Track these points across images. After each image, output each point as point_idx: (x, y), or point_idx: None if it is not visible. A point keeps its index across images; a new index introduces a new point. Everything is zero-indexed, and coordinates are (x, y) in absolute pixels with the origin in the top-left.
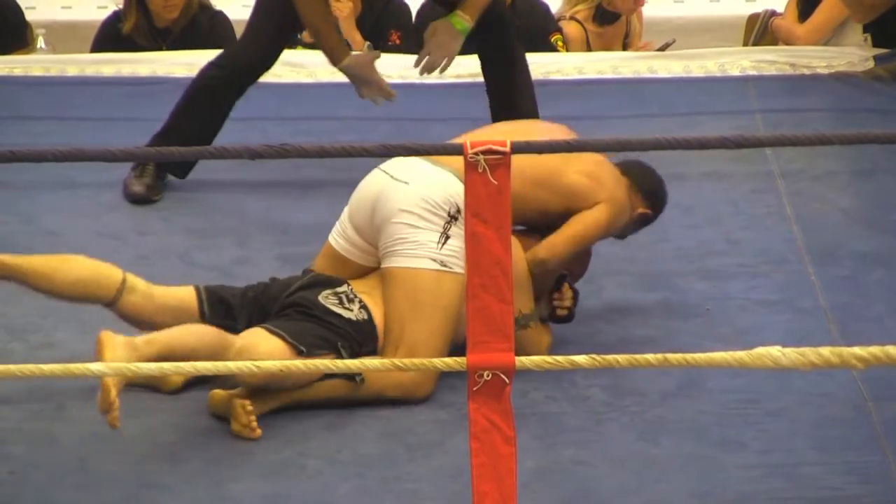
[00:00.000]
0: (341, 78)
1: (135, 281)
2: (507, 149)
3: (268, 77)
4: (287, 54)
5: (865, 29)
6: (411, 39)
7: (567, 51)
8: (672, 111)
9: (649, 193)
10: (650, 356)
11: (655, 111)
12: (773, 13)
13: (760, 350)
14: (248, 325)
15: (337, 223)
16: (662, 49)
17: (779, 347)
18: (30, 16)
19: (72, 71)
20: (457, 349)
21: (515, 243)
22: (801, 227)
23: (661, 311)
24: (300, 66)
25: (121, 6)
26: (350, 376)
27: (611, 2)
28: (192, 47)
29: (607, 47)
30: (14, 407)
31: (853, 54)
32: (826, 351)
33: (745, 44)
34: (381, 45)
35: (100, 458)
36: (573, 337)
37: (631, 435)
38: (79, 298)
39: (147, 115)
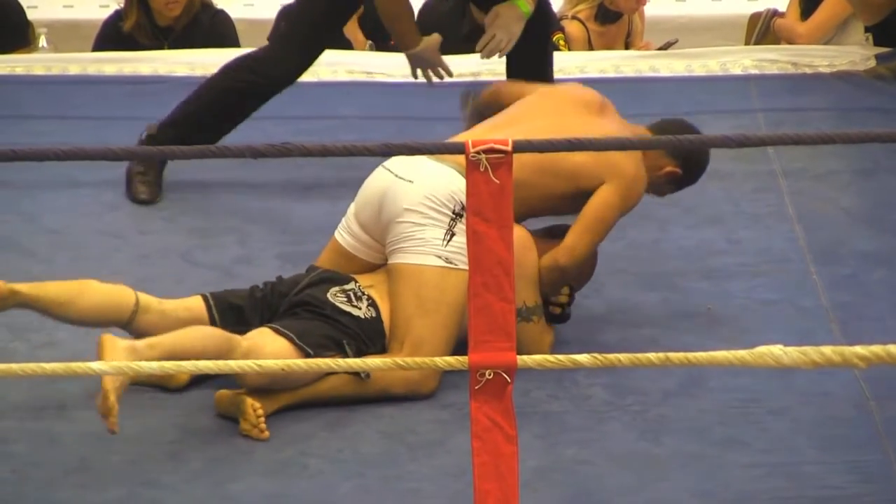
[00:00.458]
0: (343, 77)
1: (147, 300)
2: (509, 148)
3: None
4: None
5: (867, 28)
6: None
7: (569, 50)
8: (674, 110)
9: (679, 151)
10: (652, 355)
11: (657, 110)
12: (775, 12)
13: (762, 349)
14: (260, 326)
15: (343, 219)
16: (664, 48)
17: (780, 346)
18: (31, 15)
19: (73, 70)
20: (463, 344)
21: (528, 238)
22: (803, 227)
23: (662, 310)
24: None
25: (122, 5)
26: (356, 373)
27: (613, 1)
28: (193, 46)
29: (609, 46)
30: (16, 406)
31: (855, 53)
32: (828, 350)
33: (747, 43)
34: (383, 44)
35: (101, 456)
36: (575, 336)
37: (633, 434)
38: (95, 324)
39: (149, 114)
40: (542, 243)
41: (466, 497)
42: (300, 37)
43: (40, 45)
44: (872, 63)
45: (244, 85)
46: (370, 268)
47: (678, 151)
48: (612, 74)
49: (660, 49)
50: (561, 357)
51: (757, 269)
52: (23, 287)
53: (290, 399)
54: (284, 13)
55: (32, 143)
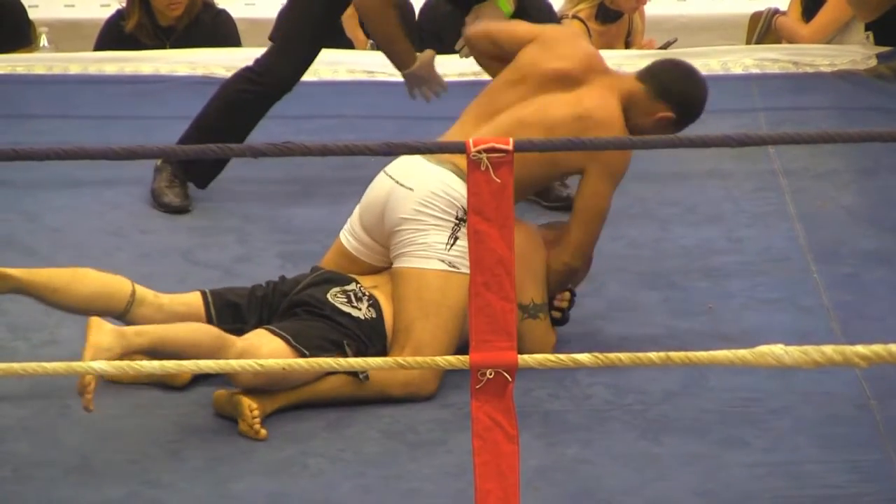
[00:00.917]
0: (344, 76)
1: (143, 292)
2: (510, 147)
3: None
4: None
5: (867, 27)
6: (414, 38)
7: None
8: None
9: (667, 93)
10: (653, 355)
11: None
12: (776, 11)
13: (763, 348)
14: (258, 326)
15: (348, 221)
16: (665, 47)
17: (781, 346)
18: (33, 14)
19: (75, 69)
20: (464, 348)
21: (537, 235)
22: (804, 226)
23: (663, 309)
24: None
25: (124, 5)
26: (353, 373)
27: (613, 0)
28: (195, 46)
29: (610, 46)
30: (17, 405)
31: (856, 52)
32: (829, 349)
33: (748, 42)
34: None
35: (102, 455)
36: (576, 335)
37: (633, 433)
38: (90, 312)
39: (150, 113)
40: (545, 233)
41: (467, 496)
42: (296, 40)
43: (42, 44)
44: (873, 62)
45: (249, 96)
46: (374, 270)
47: (669, 95)
48: None
49: (660, 48)
50: (562, 356)
51: (758, 268)
52: (16, 272)
53: (288, 399)
54: (280, 15)
55: (34, 143)
